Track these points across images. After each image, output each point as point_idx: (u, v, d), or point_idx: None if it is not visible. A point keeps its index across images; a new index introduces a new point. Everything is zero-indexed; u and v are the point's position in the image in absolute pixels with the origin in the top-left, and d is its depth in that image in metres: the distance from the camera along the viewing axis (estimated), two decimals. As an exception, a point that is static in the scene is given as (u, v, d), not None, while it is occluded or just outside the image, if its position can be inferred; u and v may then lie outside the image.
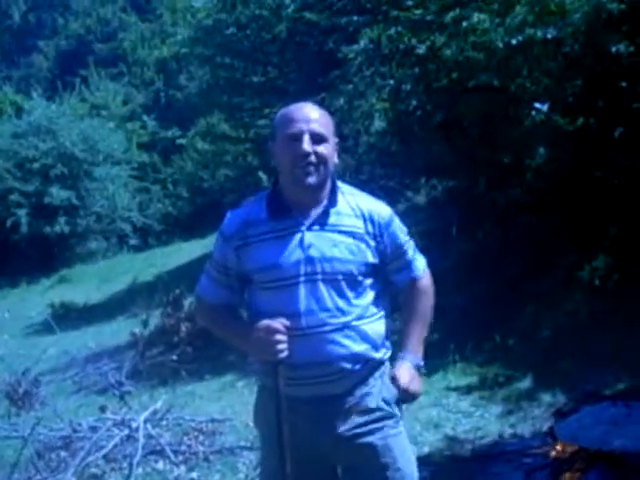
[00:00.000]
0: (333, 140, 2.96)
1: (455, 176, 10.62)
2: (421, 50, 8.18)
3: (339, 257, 2.89)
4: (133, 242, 26.07)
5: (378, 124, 10.73)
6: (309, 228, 2.91)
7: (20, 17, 41.62)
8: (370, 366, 2.98)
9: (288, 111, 2.95)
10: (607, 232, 7.84)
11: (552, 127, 7.98)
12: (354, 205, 3.00)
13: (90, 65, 31.82)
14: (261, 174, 15.82)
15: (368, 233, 2.97)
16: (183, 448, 6.32)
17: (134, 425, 6.65)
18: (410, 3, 8.63)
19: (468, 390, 6.73)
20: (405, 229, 3.13)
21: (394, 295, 3.17)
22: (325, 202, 2.95)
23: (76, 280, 20.88)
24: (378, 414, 2.99)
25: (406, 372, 3.04)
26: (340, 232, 2.93)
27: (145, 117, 30.39)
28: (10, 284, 21.74)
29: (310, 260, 2.88)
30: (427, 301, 3.19)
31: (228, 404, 7.45)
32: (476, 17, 7.50)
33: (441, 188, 11.75)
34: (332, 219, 2.94)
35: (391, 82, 9.20)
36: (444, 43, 7.90)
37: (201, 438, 6.51)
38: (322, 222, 2.92)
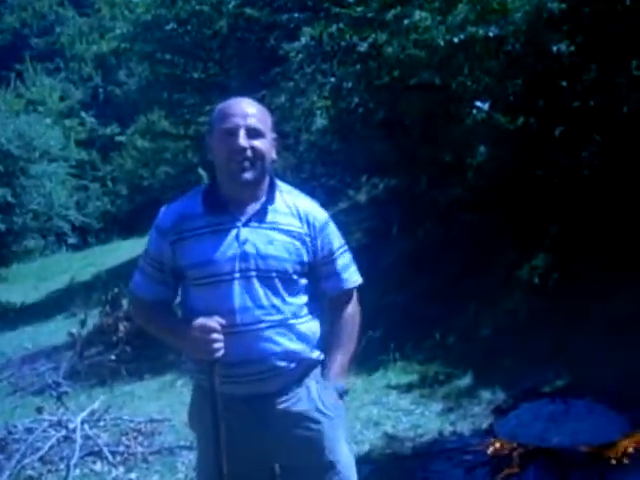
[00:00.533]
0: (271, 136, 2.94)
1: (396, 174, 10.66)
2: (362, 48, 8.17)
3: (274, 255, 2.87)
4: (72, 241, 25.71)
5: (319, 122, 10.73)
6: (245, 224, 2.88)
7: (-48, 10, 40.83)
8: (305, 365, 2.96)
9: (225, 106, 2.94)
10: (547, 231, 7.92)
11: (493, 126, 8.03)
12: (291, 204, 2.98)
13: (26, 60, 31.14)
14: (201, 171, 15.70)
15: (304, 233, 2.95)
16: (121, 449, 6.25)
17: (71, 426, 6.54)
18: (351, 0, 8.61)
19: (408, 388, 6.74)
20: (342, 239, 3.10)
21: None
22: (263, 199, 2.94)
23: (12, 279, 20.56)
24: (314, 414, 2.97)
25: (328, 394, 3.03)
26: (277, 230, 2.90)
27: (83, 113, 29.92)
28: (-56, 283, 21.25)
29: (245, 256, 2.85)
30: (353, 327, 3.14)
31: (167, 404, 7.38)
32: (418, 15, 7.50)
33: (382, 186, 11.79)
34: (269, 216, 2.92)
35: (332, 80, 9.19)
36: (386, 41, 7.89)
37: (140, 438, 6.45)
38: (259, 219, 2.90)
